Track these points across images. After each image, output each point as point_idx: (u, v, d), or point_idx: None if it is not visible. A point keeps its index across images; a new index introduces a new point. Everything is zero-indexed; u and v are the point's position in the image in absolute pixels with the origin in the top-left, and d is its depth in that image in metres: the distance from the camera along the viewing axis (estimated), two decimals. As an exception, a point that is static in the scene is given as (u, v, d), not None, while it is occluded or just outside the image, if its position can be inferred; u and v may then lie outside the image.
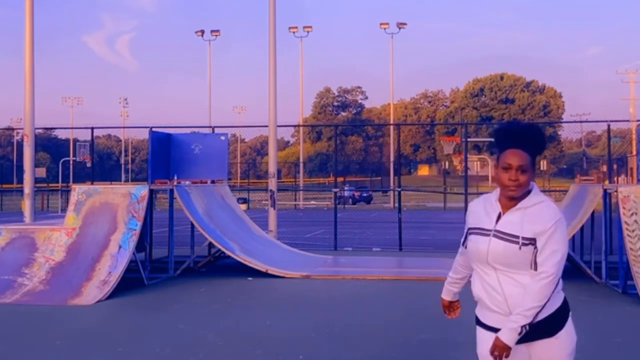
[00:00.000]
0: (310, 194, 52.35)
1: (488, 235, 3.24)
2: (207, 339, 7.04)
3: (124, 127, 68.85)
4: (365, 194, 48.98)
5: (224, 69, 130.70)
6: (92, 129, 17.92)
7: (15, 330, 7.54)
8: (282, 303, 9.12)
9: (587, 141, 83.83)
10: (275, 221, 15.05)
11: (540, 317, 3.04)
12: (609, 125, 16.09)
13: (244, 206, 30.38)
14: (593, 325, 7.87)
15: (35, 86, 13.49)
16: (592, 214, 11.06)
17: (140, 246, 10.66)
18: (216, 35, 54.89)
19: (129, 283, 9.95)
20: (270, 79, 15.16)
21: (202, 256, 13.01)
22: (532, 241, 3.01)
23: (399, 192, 17.92)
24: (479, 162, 59.21)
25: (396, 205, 20.81)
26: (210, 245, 12.74)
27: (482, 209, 3.47)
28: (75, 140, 46.31)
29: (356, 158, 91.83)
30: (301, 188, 46.69)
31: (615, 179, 31.62)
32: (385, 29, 53.01)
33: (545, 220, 3.01)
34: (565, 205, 12.97)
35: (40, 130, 61.32)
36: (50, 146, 75.72)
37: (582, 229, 11.60)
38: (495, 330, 3.09)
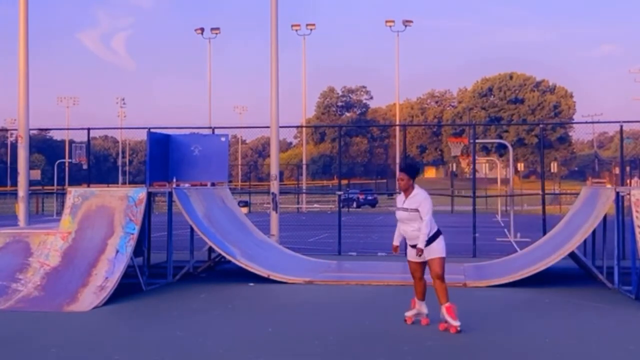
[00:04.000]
0: (314, 197, 52.31)
1: (399, 209, 7.72)
2: (207, 346, 6.95)
3: (121, 128, 69.12)
4: (370, 197, 48.83)
5: (225, 68, 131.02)
6: (89, 129, 17.72)
7: (10, 337, 7.41)
8: (284, 309, 9.01)
9: (599, 142, 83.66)
10: (277, 225, 14.92)
11: (429, 235, 7.55)
12: (621, 126, 15.86)
13: (245, 209, 30.25)
14: (605, 332, 7.74)
15: (30, 86, 13.46)
16: (604, 217, 10.87)
17: (138, 251, 10.55)
18: (216, 34, 54.81)
19: (127, 289, 9.81)
20: (272, 79, 15.01)
21: (201, 261, 12.85)
22: (416, 210, 7.53)
23: (405, 195, 17.66)
24: (487, 164, 58.92)
25: (401, 208, 20.56)
26: (210, 249, 12.58)
27: (398, 198, 7.83)
28: (71, 142, 46.23)
29: (361, 160, 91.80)
30: (304, 191, 46.51)
31: (628, 181, 31.36)
32: (390, 26, 52.90)
33: (419, 200, 7.58)
34: (576, 209, 12.71)
35: (35, 132, 61.53)
36: (46, 148, 75.83)
37: (593, 233, 11.44)
38: (413, 246, 7.64)
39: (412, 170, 7.76)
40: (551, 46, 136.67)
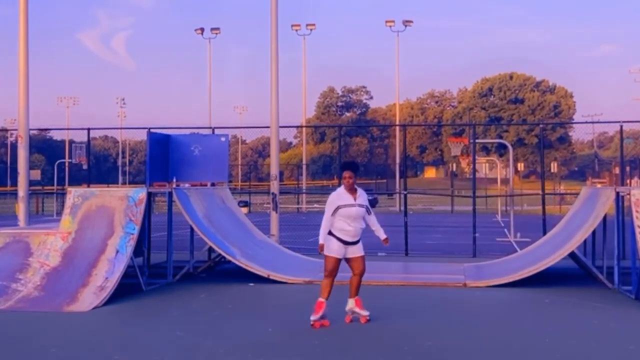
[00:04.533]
0: (314, 196, 52.19)
1: (354, 206, 7.75)
2: (207, 346, 6.93)
3: (121, 128, 69.10)
4: (370, 197, 48.73)
5: (225, 68, 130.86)
6: (89, 130, 17.71)
7: (10, 337, 7.39)
8: (284, 310, 9.00)
9: (599, 142, 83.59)
10: (277, 225, 14.90)
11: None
12: (621, 126, 15.86)
13: (245, 209, 30.18)
14: (605, 332, 7.73)
15: (30, 86, 13.44)
16: (604, 217, 10.86)
17: (138, 251, 10.52)
18: (216, 33, 54.75)
19: (127, 289, 9.79)
20: (272, 79, 14.99)
21: (201, 261, 12.83)
22: (365, 206, 7.84)
23: (405, 195, 17.72)
24: (487, 164, 58.89)
25: (402, 208, 20.55)
26: (210, 249, 12.56)
27: (342, 196, 7.79)
28: (71, 142, 46.19)
29: (361, 160, 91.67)
30: (304, 191, 46.47)
31: (628, 181, 31.38)
32: (391, 26, 52.78)
33: (365, 197, 7.90)
34: (576, 209, 12.71)
35: (35, 132, 61.43)
36: (46, 148, 75.66)
37: (593, 233, 11.44)
38: (348, 243, 7.81)
39: (357, 167, 8.01)
40: (551, 46, 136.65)
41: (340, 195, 7.80)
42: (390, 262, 14.18)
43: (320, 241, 7.74)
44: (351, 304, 7.97)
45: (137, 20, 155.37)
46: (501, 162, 58.31)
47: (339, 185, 19.78)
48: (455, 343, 7.06)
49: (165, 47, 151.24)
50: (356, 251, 7.85)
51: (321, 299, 7.81)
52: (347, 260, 7.86)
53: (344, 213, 7.69)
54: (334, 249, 7.78)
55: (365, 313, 7.92)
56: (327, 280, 7.89)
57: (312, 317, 7.76)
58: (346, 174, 7.80)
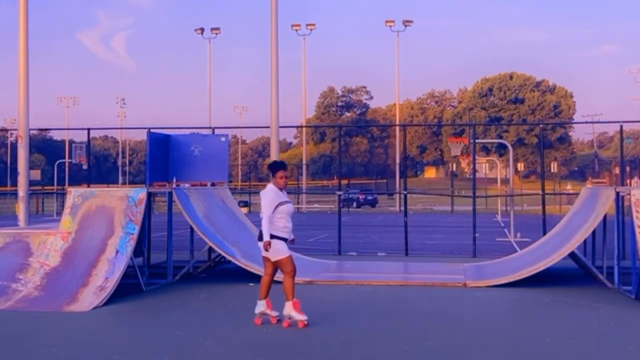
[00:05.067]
0: (314, 197, 52.27)
1: (290, 202, 7.89)
2: (207, 346, 6.93)
3: (121, 128, 69.09)
4: (370, 197, 48.80)
5: (225, 68, 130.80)
6: (89, 130, 17.70)
7: (10, 337, 7.39)
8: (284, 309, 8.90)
9: (599, 142, 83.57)
10: (277, 225, 14.81)
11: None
12: (621, 126, 15.85)
13: (245, 209, 30.24)
14: (605, 332, 7.73)
15: (30, 86, 13.43)
16: (604, 217, 10.85)
17: (138, 251, 10.51)
18: (216, 34, 54.82)
19: (127, 289, 9.78)
20: (272, 79, 14.98)
21: (201, 261, 12.82)
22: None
23: (405, 195, 17.72)
24: (487, 164, 58.91)
25: (402, 208, 20.57)
26: (211, 249, 12.55)
27: (278, 193, 7.81)
28: (71, 142, 46.17)
29: (361, 160, 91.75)
30: (304, 191, 46.50)
31: (628, 181, 31.38)
32: (391, 26, 52.84)
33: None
34: (576, 209, 12.71)
35: (35, 132, 61.40)
36: (45, 148, 75.61)
37: (593, 233, 11.44)
38: (287, 240, 7.80)
39: (287, 167, 8.16)
40: (551, 46, 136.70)
41: (276, 193, 7.78)
42: (390, 262, 14.18)
43: (266, 239, 7.57)
44: (289, 307, 7.66)
45: (137, 20, 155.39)
46: (501, 162, 58.30)
47: (339, 185, 19.93)
48: (455, 343, 7.06)
49: (165, 47, 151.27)
50: (288, 249, 7.82)
51: (296, 299, 7.67)
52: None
53: (284, 210, 7.72)
54: (283, 248, 7.73)
55: (303, 317, 7.65)
56: (268, 280, 7.93)
57: (303, 317, 7.64)
58: (282, 173, 7.86)
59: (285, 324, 7.64)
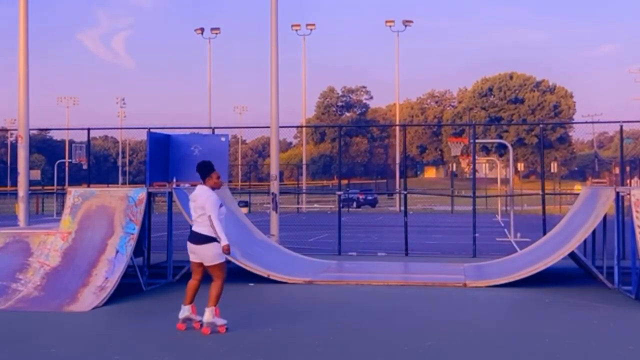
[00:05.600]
0: (314, 197, 52.26)
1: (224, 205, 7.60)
2: (207, 346, 6.93)
3: (121, 128, 69.01)
4: (370, 197, 48.79)
5: (225, 68, 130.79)
6: (89, 130, 17.69)
7: (10, 337, 7.40)
8: (284, 309, 8.98)
9: (599, 142, 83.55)
10: (277, 225, 14.88)
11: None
12: (621, 126, 15.85)
13: (245, 209, 30.21)
14: (605, 332, 7.74)
15: (30, 86, 13.41)
16: (604, 217, 10.85)
17: (138, 251, 10.52)
18: (216, 34, 54.77)
19: (127, 289, 9.78)
20: (272, 79, 14.98)
21: (202, 261, 12.75)
22: None
23: (405, 195, 17.72)
24: (487, 164, 58.89)
25: (402, 208, 20.57)
26: (211, 249, 12.48)
27: (216, 194, 7.45)
28: (71, 142, 46.14)
29: (361, 160, 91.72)
30: (304, 191, 46.47)
31: (628, 181, 31.35)
32: (390, 26, 52.79)
33: None
34: (576, 209, 12.71)
35: (35, 132, 61.36)
36: (46, 148, 75.54)
37: (593, 233, 11.44)
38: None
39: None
40: (551, 46, 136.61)
41: (216, 194, 7.51)
42: (390, 262, 14.18)
43: (225, 241, 7.31)
44: (210, 313, 7.41)
45: (137, 20, 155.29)
46: (501, 162, 58.29)
47: (339, 185, 19.91)
48: (455, 343, 7.06)
49: (165, 47, 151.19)
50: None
51: (217, 307, 7.43)
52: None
53: (223, 212, 7.52)
54: (221, 252, 7.44)
55: (223, 322, 7.47)
56: (195, 284, 7.63)
57: (224, 321, 7.44)
58: (216, 175, 7.58)
59: (205, 330, 7.35)
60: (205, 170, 7.56)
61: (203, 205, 7.35)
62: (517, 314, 8.80)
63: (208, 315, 7.37)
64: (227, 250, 7.36)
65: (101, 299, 9.06)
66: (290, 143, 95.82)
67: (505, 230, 23.60)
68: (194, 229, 7.50)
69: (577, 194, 13.93)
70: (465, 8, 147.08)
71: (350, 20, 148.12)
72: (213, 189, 7.53)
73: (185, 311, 7.60)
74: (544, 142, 18.79)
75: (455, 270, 12.21)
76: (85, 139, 19.05)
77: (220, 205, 7.47)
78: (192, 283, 7.63)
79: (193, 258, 7.53)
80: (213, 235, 7.36)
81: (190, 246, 7.49)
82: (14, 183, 23.99)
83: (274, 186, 15.20)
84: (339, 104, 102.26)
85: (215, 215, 7.32)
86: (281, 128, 15.64)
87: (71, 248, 10.06)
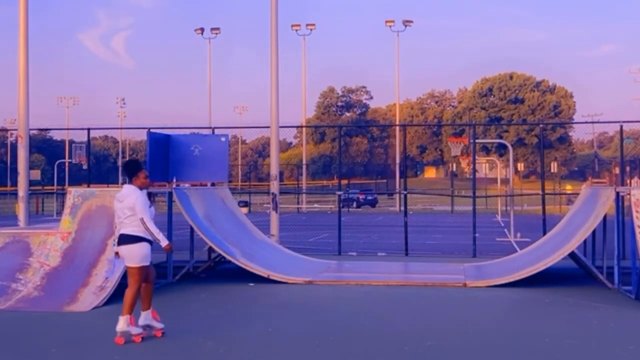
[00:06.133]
0: (314, 197, 52.25)
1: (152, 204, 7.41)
2: (207, 346, 6.93)
3: (121, 128, 68.93)
4: (370, 197, 48.77)
5: (225, 68, 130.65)
6: (89, 130, 17.71)
7: (10, 337, 7.41)
8: (285, 309, 8.99)
9: (599, 142, 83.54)
10: (277, 225, 14.88)
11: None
12: (621, 126, 15.85)
13: (245, 209, 30.22)
14: (605, 332, 7.74)
15: (30, 86, 13.40)
16: (604, 217, 10.84)
17: (138, 251, 10.41)
18: (216, 34, 54.76)
19: (126, 289, 9.71)
20: (272, 79, 14.98)
21: (202, 261, 12.81)
22: None
23: (405, 195, 17.71)
24: (487, 164, 58.87)
25: (402, 208, 20.56)
26: (211, 249, 12.54)
27: (144, 194, 7.18)
28: (71, 142, 46.19)
29: (361, 160, 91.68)
30: (304, 191, 46.45)
31: (628, 181, 31.32)
32: (390, 26, 52.75)
33: None
34: (576, 209, 12.71)
35: (35, 132, 61.34)
36: (45, 148, 75.52)
37: (593, 233, 11.43)
38: (151, 242, 7.15)
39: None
40: (551, 46, 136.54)
41: (144, 194, 7.21)
42: (390, 262, 14.18)
43: (165, 241, 7.07)
44: (147, 316, 7.19)
45: (137, 20, 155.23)
46: (501, 162, 58.28)
47: (339, 185, 19.91)
48: (455, 343, 7.06)
49: (165, 47, 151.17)
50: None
51: (152, 309, 7.22)
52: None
53: (152, 212, 7.23)
54: (149, 253, 7.13)
55: (161, 325, 7.24)
56: (143, 288, 7.20)
57: (139, 330, 7.10)
58: (144, 174, 7.27)
59: (119, 340, 6.97)
60: (131, 169, 7.25)
61: (132, 206, 7.00)
62: (517, 314, 8.79)
63: (122, 324, 6.99)
64: (169, 249, 7.21)
65: (101, 299, 9.06)
66: (290, 143, 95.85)
67: (505, 230, 23.59)
68: (123, 231, 7.05)
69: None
70: (465, 8, 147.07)
71: (350, 20, 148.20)
72: (141, 188, 7.21)
73: (145, 317, 7.24)
74: (544, 142, 18.79)
75: (455, 270, 12.21)
76: (85, 139, 19.06)
77: (150, 206, 7.22)
78: (139, 288, 7.14)
79: (134, 261, 7.07)
80: (143, 235, 7.01)
81: (121, 251, 7.09)
82: (14, 183, 24.00)
83: (274, 186, 15.20)
84: (339, 104, 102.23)
85: (147, 217, 6.98)
86: (281, 128, 15.64)
87: (71, 248, 10.07)
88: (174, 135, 14.10)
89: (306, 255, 13.97)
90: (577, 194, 14.01)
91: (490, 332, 7.64)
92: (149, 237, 7.02)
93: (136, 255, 7.00)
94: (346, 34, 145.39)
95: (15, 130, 14.79)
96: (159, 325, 7.30)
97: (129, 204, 7.03)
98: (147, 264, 7.08)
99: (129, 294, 7.02)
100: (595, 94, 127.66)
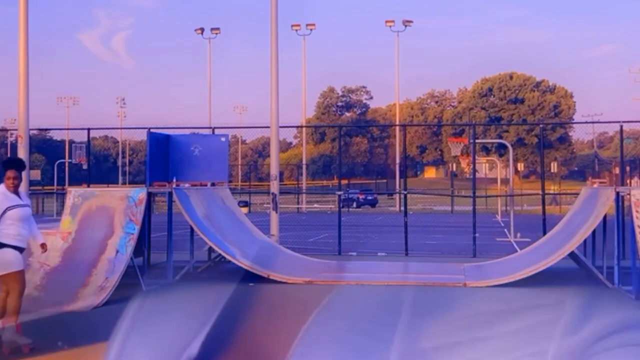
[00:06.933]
0: (314, 197, 52.23)
1: (25, 206, 6.88)
2: (207, 346, 6.78)
3: (121, 128, 69.06)
4: (370, 197, 48.74)
5: (225, 67, 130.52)
6: (89, 130, 17.70)
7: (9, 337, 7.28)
8: (285, 309, 9.00)
9: (599, 142, 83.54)
10: (277, 225, 14.87)
11: None
12: (621, 126, 15.84)
13: (245, 209, 30.17)
14: (605, 332, 7.62)
15: (30, 86, 13.41)
16: (604, 217, 10.85)
17: (138, 251, 10.53)
18: (216, 33, 54.76)
19: (127, 289, 9.74)
20: (272, 79, 14.97)
21: (202, 261, 12.81)
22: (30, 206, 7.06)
23: (405, 195, 17.71)
24: (487, 164, 58.91)
25: (402, 208, 20.57)
26: (211, 249, 12.55)
27: (8, 195, 6.75)
28: (71, 142, 46.14)
29: (361, 160, 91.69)
30: (304, 191, 46.45)
31: (628, 181, 31.34)
32: (390, 26, 52.76)
33: (27, 197, 7.27)
34: (576, 209, 12.71)
35: (34, 132, 61.20)
36: (45, 148, 75.43)
37: (594, 233, 11.43)
38: (20, 249, 6.76)
39: (23, 166, 7.16)
40: (551, 46, 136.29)
41: (6, 195, 6.73)
42: (390, 262, 14.17)
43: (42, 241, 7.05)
44: (12, 331, 6.68)
45: (137, 20, 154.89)
46: (501, 162, 58.28)
47: (339, 185, 19.91)
48: (455, 343, 7.05)
49: (165, 47, 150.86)
50: (23, 262, 6.84)
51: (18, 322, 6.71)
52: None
53: (15, 215, 6.69)
54: (14, 260, 6.64)
55: (28, 341, 6.72)
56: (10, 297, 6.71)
57: (28, 340, 6.73)
58: (11, 173, 6.78)
59: (6, 350, 6.64)
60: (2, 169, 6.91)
61: None
62: (517, 314, 8.78)
63: (9, 333, 6.65)
64: (45, 249, 7.30)
65: (101, 299, 9.06)
66: (290, 143, 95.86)
67: (505, 230, 23.58)
68: None
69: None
70: (465, 8, 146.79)
71: (350, 20, 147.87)
72: (11, 190, 6.79)
73: (9, 332, 6.72)
74: (544, 142, 18.79)
75: (455, 270, 12.21)
76: (85, 139, 19.06)
77: (11, 208, 6.69)
78: (12, 298, 6.70)
79: None
80: (2, 239, 6.61)
81: None
82: (14, 183, 23.87)
83: (274, 186, 15.19)
84: (339, 104, 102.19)
85: None
86: (281, 128, 15.63)
87: (71, 248, 10.08)
88: (174, 135, 14.11)
89: (306, 255, 13.96)
90: (577, 194, 14.00)
91: (490, 332, 7.62)
92: (7, 241, 6.59)
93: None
94: (346, 34, 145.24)
95: (15, 130, 14.80)
96: (26, 340, 6.80)
97: None
98: (17, 268, 6.66)
99: (12, 300, 6.66)
100: (595, 94, 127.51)
